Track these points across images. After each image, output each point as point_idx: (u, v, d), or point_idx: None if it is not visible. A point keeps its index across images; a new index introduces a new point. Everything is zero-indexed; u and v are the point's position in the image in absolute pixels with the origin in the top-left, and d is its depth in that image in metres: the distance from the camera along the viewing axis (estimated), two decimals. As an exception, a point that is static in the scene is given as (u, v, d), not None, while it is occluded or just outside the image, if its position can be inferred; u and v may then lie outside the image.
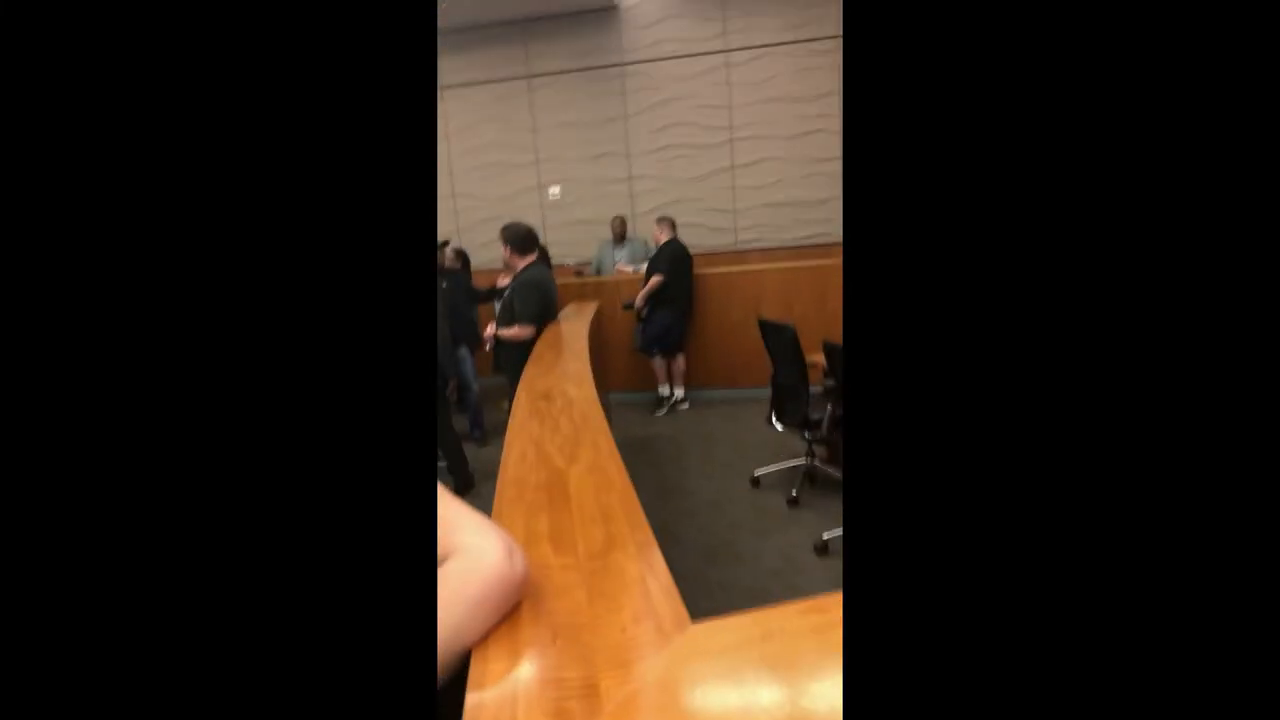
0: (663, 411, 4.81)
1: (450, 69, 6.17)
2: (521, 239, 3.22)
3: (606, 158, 6.14)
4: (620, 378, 5.05)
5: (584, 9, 5.78)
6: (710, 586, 2.49)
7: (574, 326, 3.24)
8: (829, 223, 5.75)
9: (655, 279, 4.58)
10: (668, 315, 4.65)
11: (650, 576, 0.75)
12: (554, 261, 4.80)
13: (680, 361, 4.84)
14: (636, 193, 6.15)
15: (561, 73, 6.06)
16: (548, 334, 3.05)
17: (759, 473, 3.43)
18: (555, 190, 6.28)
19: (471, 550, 0.67)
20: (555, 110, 6.15)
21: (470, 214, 6.39)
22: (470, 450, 3.91)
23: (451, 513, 0.69)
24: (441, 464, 3.67)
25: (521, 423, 1.51)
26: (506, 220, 3.52)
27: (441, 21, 5.84)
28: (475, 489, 3.54)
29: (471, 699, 0.56)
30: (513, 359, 2.94)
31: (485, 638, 0.64)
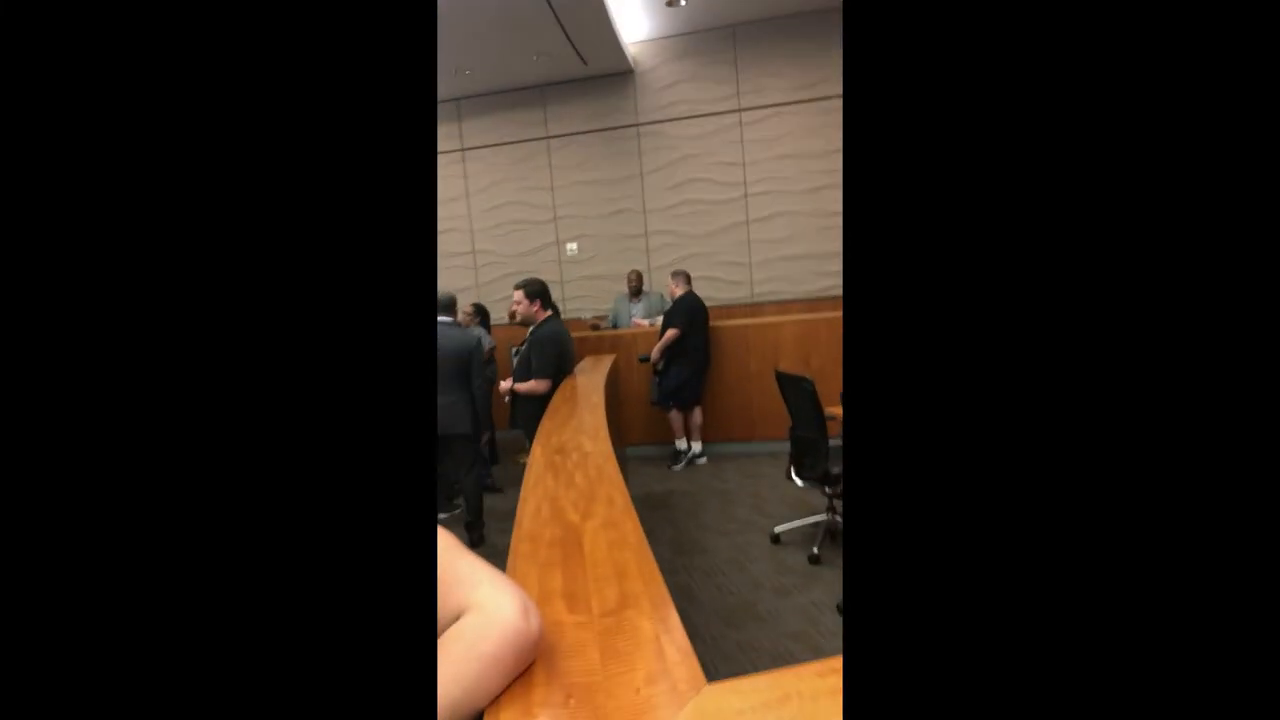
0: (680, 466, 4.77)
1: (471, 132, 6.42)
2: (540, 293, 3.34)
3: (623, 214, 6.28)
4: (637, 432, 5.03)
5: (601, 74, 6.02)
6: (730, 648, 2.42)
7: (590, 380, 3.25)
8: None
9: (671, 332, 4.61)
10: (684, 368, 4.66)
11: (665, 635, 0.74)
12: (572, 315, 4.87)
13: (697, 415, 4.83)
14: (653, 248, 6.25)
15: (579, 134, 6.28)
16: (564, 388, 3.07)
17: (779, 529, 3.36)
18: (573, 246, 6.42)
19: (487, 606, 0.66)
20: (573, 170, 6.33)
21: (490, 270, 6.53)
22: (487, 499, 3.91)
23: (466, 568, 0.68)
24: (457, 511, 3.68)
25: (537, 477, 1.51)
26: (524, 276, 3.63)
27: (463, 88, 6.12)
28: (487, 541, 3.51)
29: (481, 763, 0.55)
30: (529, 413, 2.97)
31: (498, 697, 0.63)
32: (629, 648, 0.72)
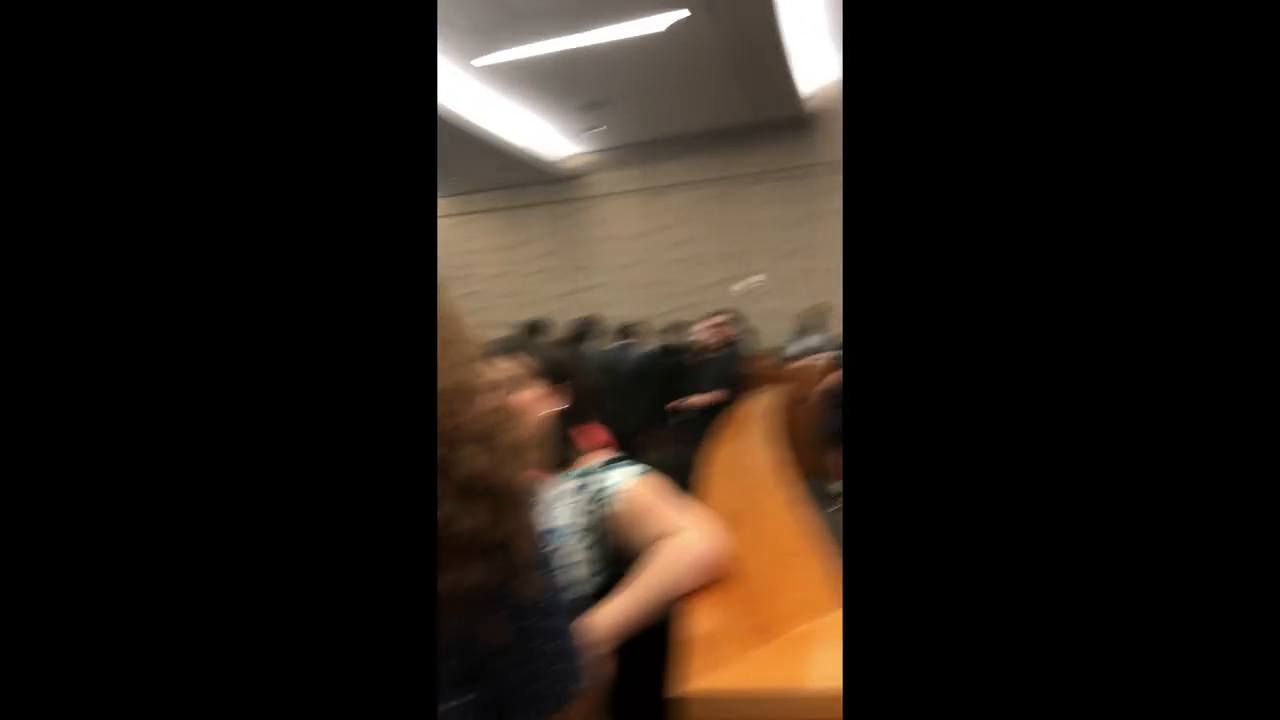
0: (832, 509, 4.65)
1: (659, 173, 6.89)
2: (734, 322, 4.03)
3: (799, 253, 6.36)
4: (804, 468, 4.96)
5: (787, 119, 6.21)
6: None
7: (760, 407, 3.37)
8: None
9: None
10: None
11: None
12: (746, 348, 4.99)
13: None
14: (830, 287, 6.23)
15: (759, 174, 6.49)
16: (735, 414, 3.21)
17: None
18: (753, 280, 6.59)
19: (693, 530, 0.90)
20: (752, 210, 6.55)
21: (663, 302, 6.86)
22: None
23: (674, 506, 0.92)
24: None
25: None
26: (701, 306, 3.92)
27: (653, 132, 6.58)
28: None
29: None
30: (696, 429, 3.23)
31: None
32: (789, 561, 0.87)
